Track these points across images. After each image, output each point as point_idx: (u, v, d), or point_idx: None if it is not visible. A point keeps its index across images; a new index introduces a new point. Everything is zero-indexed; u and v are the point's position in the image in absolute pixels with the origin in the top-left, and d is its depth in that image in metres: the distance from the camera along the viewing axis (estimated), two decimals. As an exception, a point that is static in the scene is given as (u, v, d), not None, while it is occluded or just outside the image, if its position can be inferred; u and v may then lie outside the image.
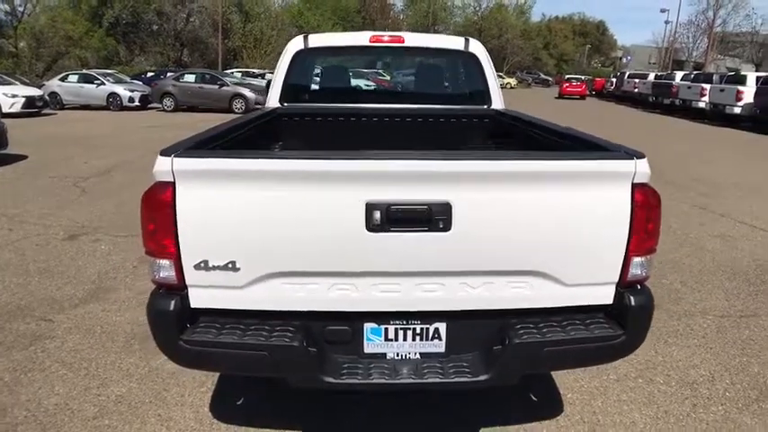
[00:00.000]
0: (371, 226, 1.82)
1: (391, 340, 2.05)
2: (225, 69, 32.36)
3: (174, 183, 1.80)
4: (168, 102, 20.64)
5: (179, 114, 19.53)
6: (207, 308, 1.96)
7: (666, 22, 55.07)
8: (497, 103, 4.11)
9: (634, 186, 1.92)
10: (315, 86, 4.27)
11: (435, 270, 1.92)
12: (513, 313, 2.04)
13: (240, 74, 27.38)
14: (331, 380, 1.95)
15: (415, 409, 2.77)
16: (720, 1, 44.60)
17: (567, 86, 38.65)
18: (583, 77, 42.59)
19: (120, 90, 20.82)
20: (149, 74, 27.70)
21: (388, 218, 1.81)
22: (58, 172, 8.69)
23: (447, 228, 1.84)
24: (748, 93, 17.87)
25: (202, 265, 1.86)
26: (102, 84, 20.90)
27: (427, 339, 2.07)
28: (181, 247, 1.84)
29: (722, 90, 19.99)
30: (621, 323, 2.04)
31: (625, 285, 2.04)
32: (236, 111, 19.85)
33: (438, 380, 1.97)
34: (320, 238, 1.85)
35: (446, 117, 4.05)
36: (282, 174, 1.83)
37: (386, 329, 2.04)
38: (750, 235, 6.13)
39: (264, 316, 1.98)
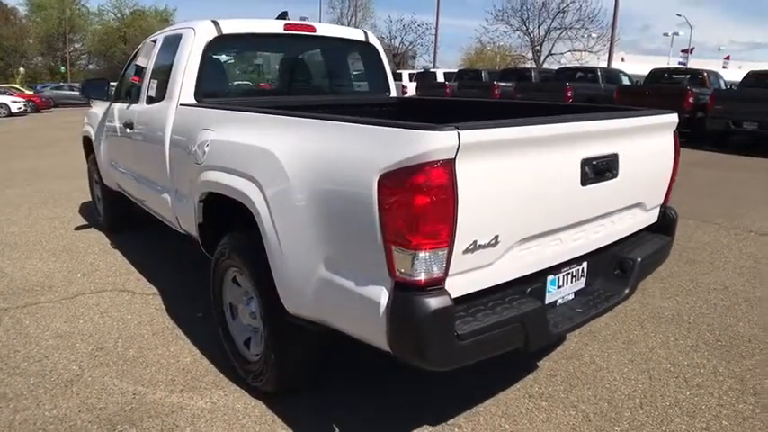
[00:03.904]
0: (584, 180, 2.10)
1: (561, 287, 2.34)
2: None
3: (453, 160, 1.69)
4: None
5: None
6: (457, 296, 1.86)
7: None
8: (393, 91, 4.46)
9: (674, 133, 2.70)
10: (230, 78, 3.79)
11: (606, 212, 2.32)
12: (616, 243, 2.57)
13: None
14: (556, 330, 2.14)
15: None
16: (353, 10, 51.93)
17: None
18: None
19: None
20: None
21: (594, 171, 2.13)
22: None
23: (616, 175, 2.26)
24: (411, 87, 22.02)
25: (471, 247, 1.80)
26: None
27: (577, 279, 2.43)
28: (457, 232, 1.75)
29: (391, 87, 23.94)
30: (666, 233, 2.82)
31: (665, 205, 2.81)
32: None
33: (605, 305, 2.38)
34: (550, 197, 2.03)
35: (360, 106, 4.18)
36: (538, 139, 1.92)
37: (558, 278, 2.32)
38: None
39: (490, 291, 2.00)
